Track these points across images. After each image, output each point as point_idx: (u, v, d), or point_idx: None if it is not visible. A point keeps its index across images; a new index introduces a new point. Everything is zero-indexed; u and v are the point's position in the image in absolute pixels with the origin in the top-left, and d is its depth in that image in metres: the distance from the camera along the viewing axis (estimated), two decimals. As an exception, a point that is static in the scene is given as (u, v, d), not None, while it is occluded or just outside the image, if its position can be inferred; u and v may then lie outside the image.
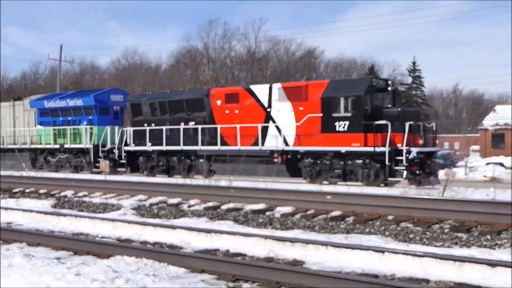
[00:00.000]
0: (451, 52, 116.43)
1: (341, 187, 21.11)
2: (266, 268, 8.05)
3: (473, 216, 11.65)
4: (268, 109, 25.02)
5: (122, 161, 30.01)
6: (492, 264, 7.96)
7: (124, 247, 9.80)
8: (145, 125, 29.40)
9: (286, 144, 24.15)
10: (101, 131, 31.12)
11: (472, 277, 7.83)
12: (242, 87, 27.62)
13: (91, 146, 30.98)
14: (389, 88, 23.34)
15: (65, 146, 32.41)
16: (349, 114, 22.33)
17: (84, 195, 18.24)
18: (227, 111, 26.30)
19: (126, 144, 29.99)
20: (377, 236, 11.06)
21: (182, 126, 27.60)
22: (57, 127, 33.21)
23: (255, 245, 9.98)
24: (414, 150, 21.58)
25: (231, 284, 7.81)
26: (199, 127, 26.75)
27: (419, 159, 21.69)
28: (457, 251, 9.59)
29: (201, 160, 26.79)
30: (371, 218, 12.33)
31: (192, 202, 15.64)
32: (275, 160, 24.45)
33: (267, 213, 13.67)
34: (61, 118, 33.36)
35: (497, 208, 12.44)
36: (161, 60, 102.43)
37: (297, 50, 77.98)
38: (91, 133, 31.25)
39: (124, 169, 29.92)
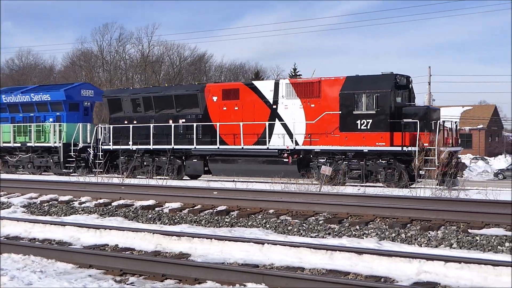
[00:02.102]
0: (329, 59, 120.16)
1: (228, 183, 21.18)
2: (152, 262, 7.91)
3: (345, 209, 12.03)
4: (274, 106, 22.54)
5: (98, 161, 25.89)
6: (360, 252, 8.24)
7: (12, 244, 9.28)
8: (126, 122, 25.99)
9: (295, 143, 21.79)
10: (71, 129, 27.33)
11: (342, 264, 8.07)
12: (242, 83, 24.69)
13: (60, 145, 27.20)
14: (410, 85, 21.51)
15: (28, 144, 28.15)
16: (372, 112, 20.29)
17: (-27, 194, 17.13)
18: (224, 108, 23.65)
19: (98, 142, 26.33)
20: (258, 229, 11.18)
21: (171, 123, 24.45)
22: (17, 124, 28.91)
23: (143, 239, 9.78)
24: (446, 150, 19.90)
25: (118, 278, 7.60)
26: (194, 124, 23.90)
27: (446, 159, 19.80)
28: (330, 241, 9.87)
29: (194, 160, 24.04)
30: (253, 212, 12.43)
31: (83, 199, 15.08)
32: (285, 160, 21.92)
33: (157, 208, 13.44)
34: (21, 114, 29.19)
35: (366, 201, 12.99)
36: (56, 61, 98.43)
37: (189, 55, 77.54)
38: (59, 131, 27.37)
39: (101, 170, 25.50)
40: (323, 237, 10.49)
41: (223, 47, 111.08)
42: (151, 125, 24.91)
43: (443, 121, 20.71)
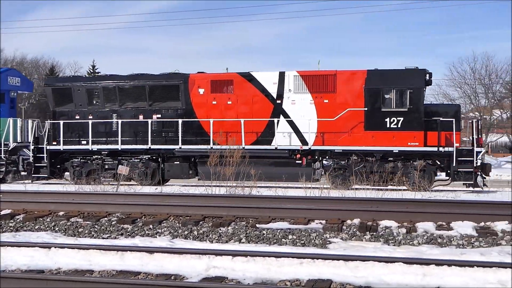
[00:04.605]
0: (130, 58, 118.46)
1: (16, 186, 19.92)
2: None
3: (139, 208, 11.96)
4: (278, 101, 20.37)
5: (39, 165, 21.72)
6: (151, 251, 8.23)
7: None
8: (77, 117, 21.86)
9: (304, 143, 19.91)
10: None
11: (133, 264, 7.99)
12: (238, 73, 21.16)
13: None
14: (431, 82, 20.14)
15: None
16: (404, 109, 19.04)
17: None
18: (214, 102, 20.88)
19: (37, 142, 22.01)
20: (46, 232, 10.64)
21: (142, 119, 21.16)
22: None
23: None
24: (482, 151, 19.01)
25: None
26: (180, 120, 20.70)
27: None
28: (122, 241, 9.74)
29: (177, 163, 20.69)
30: (42, 215, 11.79)
31: None
32: (298, 162, 19.78)
33: None
34: None
35: (160, 200, 13.01)
36: None
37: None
38: None
39: (45, 175, 21.75)
40: (115, 237, 10.31)
41: (17, 41, 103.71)
42: (119, 121, 21.45)
43: (477, 121, 20.10)
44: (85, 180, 20.64)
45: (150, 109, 21.62)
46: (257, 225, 10.67)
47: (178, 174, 21.11)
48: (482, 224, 10.45)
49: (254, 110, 20.61)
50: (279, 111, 20.45)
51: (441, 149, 18.99)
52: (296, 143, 20.21)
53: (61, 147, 21.98)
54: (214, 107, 21.02)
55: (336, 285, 7.11)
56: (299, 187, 17.67)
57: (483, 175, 19.22)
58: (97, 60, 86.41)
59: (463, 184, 19.61)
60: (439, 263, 7.38)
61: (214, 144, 20.43)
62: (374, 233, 10.08)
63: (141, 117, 21.59)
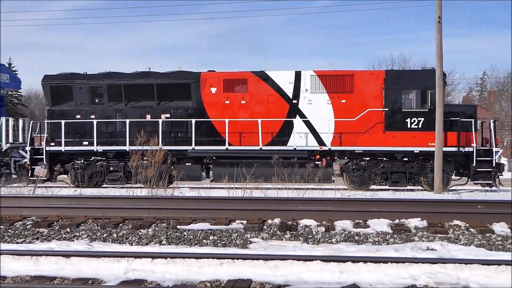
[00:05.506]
0: (46, 55, 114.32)
1: None
2: None
3: (56, 211, 11.60)
4: (294, 101, 19.93)
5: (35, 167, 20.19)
6: (67, 255, 8.02)
7: None
8: (78, 116, 20.48)
9: (321, 143, 19.64)
10: None
11: (48, 269, 7.76)
12: (252, 72, 20.43)
13: None
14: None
15: None
16: (425, 110, 19.00)
17: None
18: (227, 102, 20.20)
19: (31, 143, 20.50)
20: (-44, 237, 10.15)
21: (149, 118, 20.11)
22: None
23: None
24: (500, 151, 18.90)
25: None
26: (193, 120, 19.94)
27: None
28: (38, 245, 9.41)
29: (189, 164, 19.54)
30: (-49, 219, 11.22)
31: None
32: (317, 163, 19.50)
33: None
34: None
35: (78, 202, 12.70)
36: None
37: None
38: None
39: (44, 178, 20.10)
40: (30, 242, 9.95)
41: None
42: (127, 120, 20.27)
43: (494, 121, 19.98)
44: (88, 182, 19.88)
45: (158, 108, 20.69)
46: (178, 227, 10.59)
47: (190, 176, 19.99)
48: (396, 221, 10.82)
49: (269, 110, 20.22)
50: (295, 111, 20.16)
51: (461, 149, 19.24)
52: (312, 144, 19.97)
53: (62, 148, 20.72)
54: (227, 107, 20.44)
55: (255, 284, 7.16)
56: (222, 187, 17.73)
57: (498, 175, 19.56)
58: (13, 57, 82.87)
59: (474, 183, 19.88)
60: (355, 260, 7.59)
61: (223, 144, 20.05)
62: (294, 232, 10.23)
63: (148, 116, 20.66)
